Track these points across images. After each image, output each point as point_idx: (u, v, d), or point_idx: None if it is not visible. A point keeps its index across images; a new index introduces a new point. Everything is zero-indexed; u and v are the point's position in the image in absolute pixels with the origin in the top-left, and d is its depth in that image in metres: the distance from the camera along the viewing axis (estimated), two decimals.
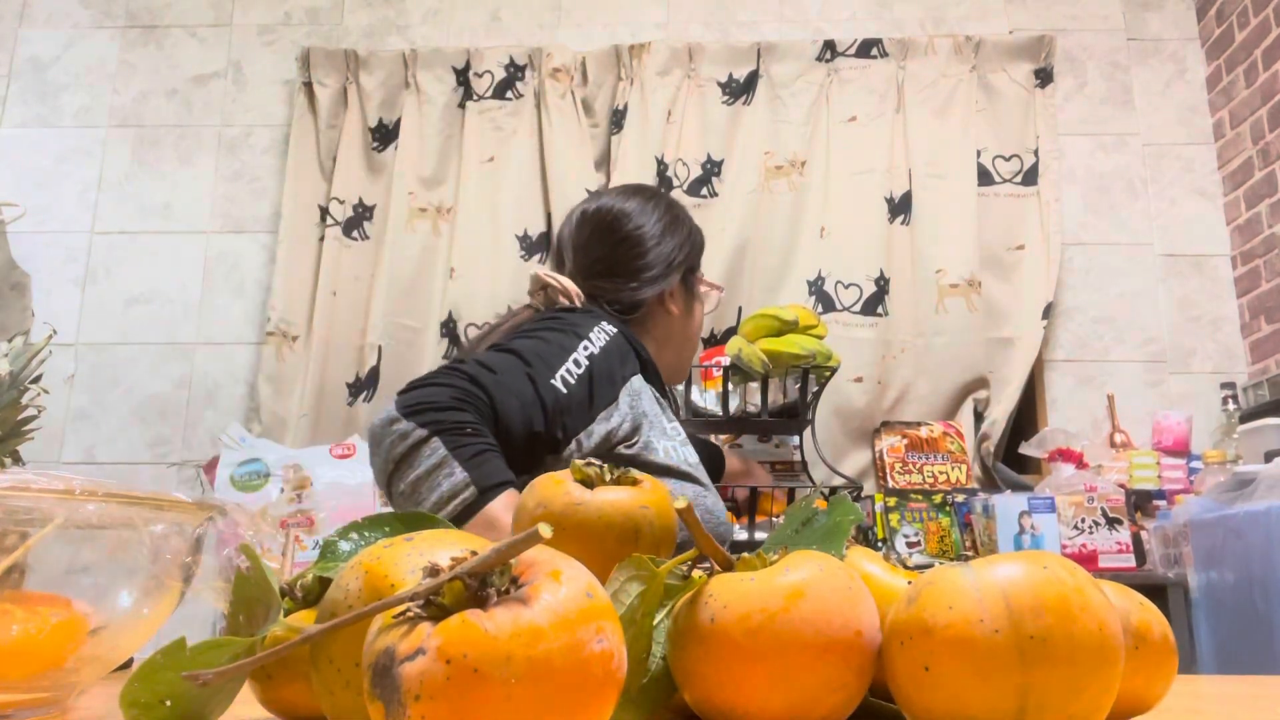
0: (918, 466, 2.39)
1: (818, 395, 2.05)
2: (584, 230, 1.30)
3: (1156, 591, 1.94)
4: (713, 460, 1.69)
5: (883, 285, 2.56)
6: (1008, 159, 2.68)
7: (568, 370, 1.07)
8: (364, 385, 2.59)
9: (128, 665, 0.62)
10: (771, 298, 2.54)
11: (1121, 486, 2.14)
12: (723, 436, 2.19)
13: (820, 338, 1.98)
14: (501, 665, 0.29)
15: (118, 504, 0.49)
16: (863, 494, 2.23)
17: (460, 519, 0.94)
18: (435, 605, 0.32)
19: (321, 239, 2.70)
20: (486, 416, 1.00)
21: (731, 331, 2.44)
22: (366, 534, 0.48)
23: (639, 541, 0.47)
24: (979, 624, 0.36)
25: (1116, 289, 2.68)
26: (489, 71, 2.78)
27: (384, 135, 2.77)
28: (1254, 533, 1.77)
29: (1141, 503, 2.17)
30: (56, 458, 2.64)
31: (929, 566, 0.44)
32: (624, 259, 1.26)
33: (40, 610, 0.48)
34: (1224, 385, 2.54)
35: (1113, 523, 2.01)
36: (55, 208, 2.83)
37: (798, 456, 2.21)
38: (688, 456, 1.18)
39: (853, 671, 0.39)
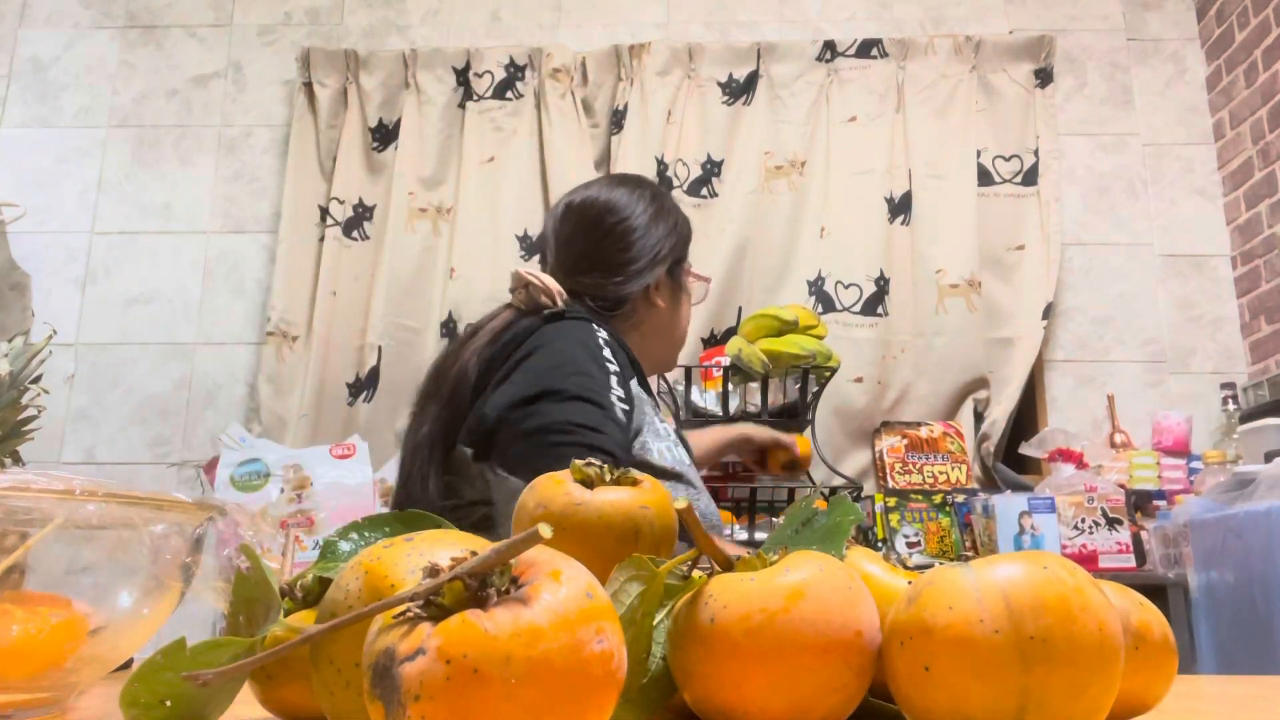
0: (918, 467, 2.39)
1: (818, 395, 2.05)
2: (567, 224, 1.26)
3: (1156, 591, 1.94)
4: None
5: (883, 285, 2.56)
6: (1008, 159, 2.68)
7: (617, 397, 1.08)
8: (364, 385, 2.59)
9: (128, 665, 0.62)
10: (771, 298, 2.54)
11: (1121, 487, 2.14)
12: None
13: (820, 338, 1.98)
14: (501, 665, 0.29)
15: (118, 504, 0.49)
16: (863, 494, 2.23)
17: None
18: (435, 605, 0.32)
19: (321, 239, 2.70)
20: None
21: (731, 331, 2.44)
22: (366, 534, 0.48)
23: (639, 541, 0.47)
24: (979, 624, 0.36)
25: (1116, 289, 2.68)
26: (489, 72, 2.78)
27: (384, 135, 2.77)
28: (1254, 533, 1.77)
29: (1141, 503, 2.17)
30: (56, 458, 2.64)
31: (929, 567, 0.44)
32: (608, 253, 1.23)
33: (40, 610, 0.48)
34: (1224, 385, 2.54)
35: (1113, 523, 2.01)
36: (55, 208, 2.83)
37: None
38: (681, 457, 1.18)
39: (853, 671, 0.39)
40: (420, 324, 2.62)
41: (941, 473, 2.38)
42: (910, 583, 0.42)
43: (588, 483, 0.49)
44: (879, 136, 2.67)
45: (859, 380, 2.49)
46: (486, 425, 1.06)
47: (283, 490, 2.03)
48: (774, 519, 2.02)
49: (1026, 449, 2.45)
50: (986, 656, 0.36)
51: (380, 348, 2.59)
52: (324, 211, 2.72)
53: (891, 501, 2.14)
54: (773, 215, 2.64)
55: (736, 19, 2.89)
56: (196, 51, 2.94)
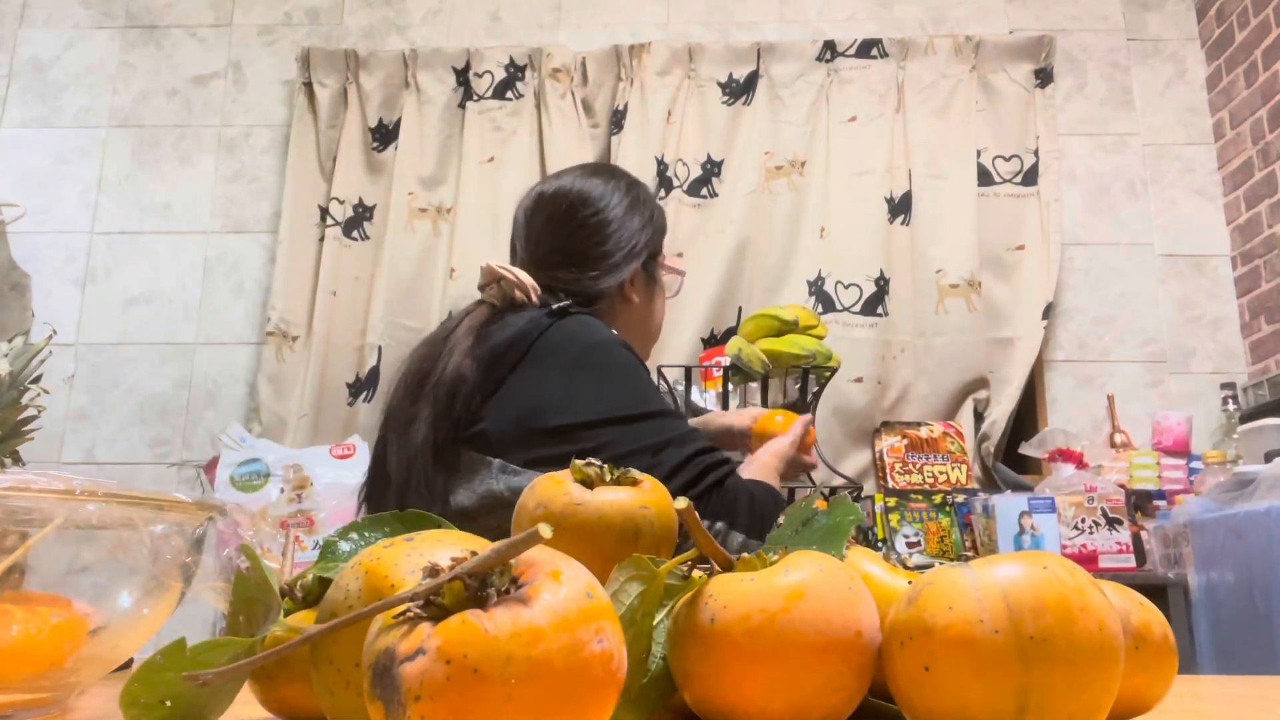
0: (918, 467, 2.39)
1: (818, 395, 2.05)
2: (539, 215, 1.21)
3: (1156, 591, 1.94)
4: None
5: (883, 285, 2.56)
6: (1008, 159, 2.68)
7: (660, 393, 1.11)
8: (364, 385, 2.59)
9: (128, 665, 0.62)
10: (771, 298, 2.54)
11: (1121, 487, 2.14)
12: None
13: (820, 338, 1.98)
14: (501, 665, 0.29)
15: (118, 504, 0.49)
16: (863, 494, 2.23)
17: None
18: (435, 605, 0.32)
19: (321, 239, 2.70)
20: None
21: (731, 331, 2.44)
22: (366, 534, 0.48)
23: (639, 542, 0.47)
24: (979, 624, 0.36)
25: (1116, 289, 2.68)
26: (489, 72, 2.78)
27: (384, 135, 2.77)
28: (1254, 533, 1.77)
29: (1141, 503, 2.17)
30: (56, 458, 2.64)
31: (929, 567, 0.44)
32: (583, 247, 1.18)
33: (40, 610, 0.48)
34: (1224, 385, 2.54)
35: (1113, 523, 2.01)
36: (55, 208, 2.83)
37: None
38: None
39: (853, 672, 0.39)
40: (420, 324, 2.62)
41: (941, 473, 2.38)
42: (910, 583, 0.42)
43: (587, 483, 0.49)
44: (879, 136, 2.67)
45: (859, 380, 2.49)
46: (531, 427, 1.04)
47: (283, 490, 2.03)
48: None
49: (1026, 449, 2.45)
50: (986, 656, 0.36)
51: (380, 348, 2.59)
52: (324, 211, 2.72)
53: (891, 501, 2.14)
54: (773, 215, 2.64)
55: (736, 19, 2.89)
56: (196, 51, 2.94)
